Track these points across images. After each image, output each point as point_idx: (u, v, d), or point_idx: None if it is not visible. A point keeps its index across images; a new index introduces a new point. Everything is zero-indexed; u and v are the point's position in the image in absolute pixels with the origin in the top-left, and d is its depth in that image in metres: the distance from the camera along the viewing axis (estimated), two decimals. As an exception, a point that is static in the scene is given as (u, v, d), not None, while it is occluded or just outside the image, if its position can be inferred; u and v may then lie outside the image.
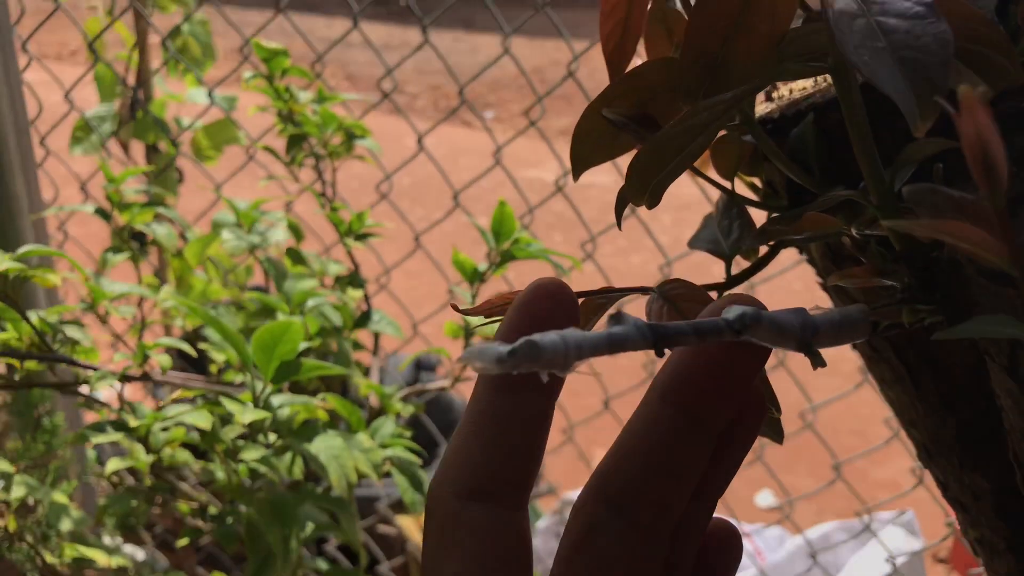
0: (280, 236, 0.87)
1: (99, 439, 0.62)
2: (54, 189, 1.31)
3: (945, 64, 0.22)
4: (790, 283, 1.75)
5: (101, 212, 0.88)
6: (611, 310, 0.26)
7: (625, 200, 0.29)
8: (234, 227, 0.83)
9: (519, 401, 0.24)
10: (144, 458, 0.68)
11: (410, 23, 5.01)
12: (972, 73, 0.25)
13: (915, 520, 1.34)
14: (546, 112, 1.12)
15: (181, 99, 1.24)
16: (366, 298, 0.90)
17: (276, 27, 1.37)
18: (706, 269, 2.05)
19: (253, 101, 0.92)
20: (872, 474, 1.80)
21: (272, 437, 0.63)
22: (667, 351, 0.22)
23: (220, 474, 0.71)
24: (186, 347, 0.66)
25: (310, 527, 0.69)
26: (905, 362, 0.35)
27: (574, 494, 1.44)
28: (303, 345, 0.60)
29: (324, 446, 0.60)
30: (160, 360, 0.65)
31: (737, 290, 0.33)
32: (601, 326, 0.25)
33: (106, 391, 0.74)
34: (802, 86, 0.36)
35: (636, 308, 0.31)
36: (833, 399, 1.21)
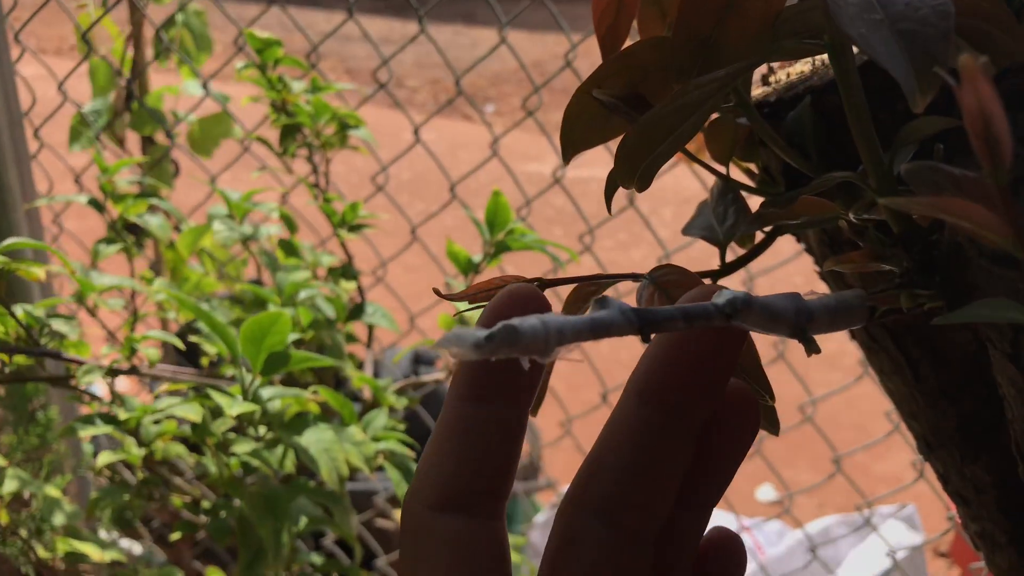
0: (273, 228, 0.86)
1: (87, 432, 0.61)
2: (48, 182, 1.30)
3: (945, 36, 0.21)
4: (791, 276, 1.75)
5: (94, 203, 0.87)
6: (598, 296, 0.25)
7: (615, 184, 0.28)
8: (226, 218, 0.82)
9: (489, 411, 0.23)
10: (136, 451, 0.68)
11: (411, 18, 4.99)
12: (973, 50, 0.24)
13: (916, 514, 1.33)
14: (546, 106, 1.12)
15: (176, 91, 1.23)
16: (360, 290, 0.89)
17: (276, 22, 1.36)
18: (705, 264, 2.02)
19: (248, 93, 0.91)
20: (873, 468, 1.79)
21: (263, 430, 0.62)
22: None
23: (213, 468, 0.70)
24: (175, 340, 0.65)
25: (303, 521, 0.68)
26: (904, 351, 0.34)
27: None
28: (293, 336, 0.59)
29: (315, 439, 0.59)
30: (148, 353, 0.64)
31: (733, 277, 0.33)
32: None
33: (102, 385, 0.73)
34: (799, 70, 0.35)
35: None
36: (833, 392, 1.20)
